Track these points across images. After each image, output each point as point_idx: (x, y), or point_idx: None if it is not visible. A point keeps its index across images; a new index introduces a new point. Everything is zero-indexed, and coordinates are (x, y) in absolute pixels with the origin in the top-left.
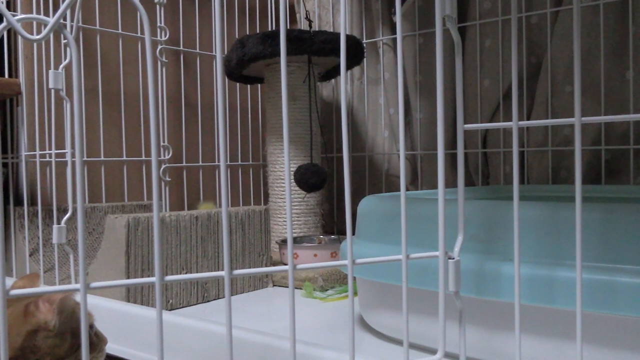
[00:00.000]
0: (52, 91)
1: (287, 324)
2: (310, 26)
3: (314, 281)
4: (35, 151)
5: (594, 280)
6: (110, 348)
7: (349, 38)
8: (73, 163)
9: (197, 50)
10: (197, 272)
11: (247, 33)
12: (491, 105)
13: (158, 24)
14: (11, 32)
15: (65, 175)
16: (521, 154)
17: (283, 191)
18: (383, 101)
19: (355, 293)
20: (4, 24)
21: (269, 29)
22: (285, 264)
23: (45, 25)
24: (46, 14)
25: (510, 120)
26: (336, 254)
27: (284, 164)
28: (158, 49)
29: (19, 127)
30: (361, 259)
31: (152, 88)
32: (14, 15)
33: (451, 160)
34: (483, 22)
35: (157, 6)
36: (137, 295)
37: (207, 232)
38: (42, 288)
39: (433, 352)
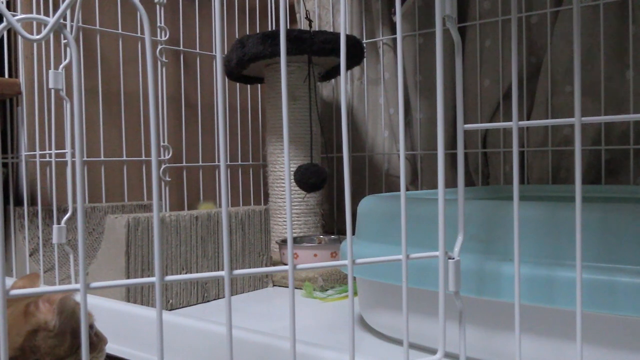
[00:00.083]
0: (52, 91)
1: (287, 324)
2: (310, 26)
3: (314, 281)
4: (35, 151)
5: (594, 280)
6: (110, 348)
7: (349, 38)
8: (73, 163)
9: (197, 50)
10: (197, 272)
11: (247, 33)
12: (491, 105)
13: (158, 24)
14: (11, 32)
15: (65, 175)
16: (521, 154)
17: (283, 191)
18: (383, 101)
19: (355, 293)
20: (4, 24)
21: (269, 29)
22: (285, 264)
23: (45, 25)
24: (46, 14)
25: (510, 120)
26: (336, 254)
27: (284, 164)
28: (158, 49)
29: (19, 127)
30: (361, 259)
31: (152, 88)
32: (14, 15)
33: (451, 160)
34: (483, 22)
35: (157, 6)
36: (137, 295)
37: (207, 232)
38: (42, 288)
39: (433, 352)
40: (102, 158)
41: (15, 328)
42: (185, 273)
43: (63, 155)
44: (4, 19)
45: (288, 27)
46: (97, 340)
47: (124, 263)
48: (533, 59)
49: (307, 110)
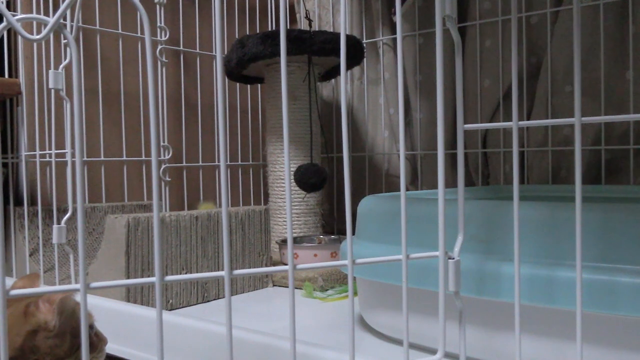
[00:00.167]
0: (52, 91)
1: (287, 324)
2: (310, 26)
3: (314, 281)
4: (35, 151)
5: (594, 280)
6: (110, 348)
7: (349, 38)
8: (73, 163)
9: (197, 50)
10: (197, 272)
11: (247, 33)
12: (491, 105)
13: (158, 24)
14: (11, 32)
15: (65, 175)
16: (521, 154)
17: (283, 191)
18: (383, 101)
19: (355, 293)
20: (4, 23)
21: (269, 29)
22: (285, 264)
23: (45, 25)
24: (46, 14)
25: (510, 120)
26: (336, 254)
27: (284, 164)
28: (158, 49)
29: (19, 127)
30: (361, 259)
31: (152, 88)
32: (14, 15)
33: (451, 160)
34: (483, 22)
35: (157, 6)
36: (137, 295)
37: (207, 232)
38: (42, 288)
39: (433, 352)
40: (102, 158)
41: (15, 328)
42: (185, 273)
43: (63, 155)
44: (4, 19)
45: (288, 27)
46: (97, 341)
47: (124, 263)
48: (533, 59)
49: (307, 110)
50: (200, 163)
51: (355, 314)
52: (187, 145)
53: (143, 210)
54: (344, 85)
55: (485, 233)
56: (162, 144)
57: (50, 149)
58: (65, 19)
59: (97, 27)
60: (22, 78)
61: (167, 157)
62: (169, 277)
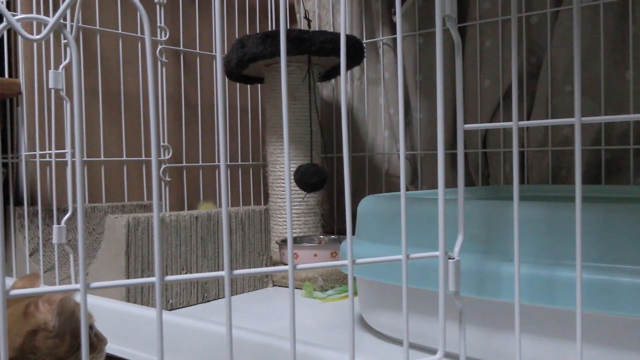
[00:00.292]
0: (52, 91)
1: (287, 324)
2: (309, 26)
3: (314, 281)
4: (35, 151)
5: (594, 280)
6: (110, 348)
7: (349, 38)
8: (73, 163)
9: (197, 50)
10: (197, 272)
11: (247, 33)
12: (491, 105)
13: (158, 24)
14: (11, 32)
15: (65, 175)
16: (521, 154)
17: (283, 191)
18: (383, 101)
19: (355, 293)
20: (4, 23)
21: (269, 29)
22: (285, 264)
23: (45, 25)
24: (46, 14)
25: (510, 120)
26: (336, 254)
27: (284, 164)
28: (158, 49)
29: (19, 127)
30: (361, 259)
31: (152, 88)
32: (14, 15)
33: (451, 160)
34: (483, 22)
35: (157, 6)
36: (137, 295)
37: (207, 232)
38: (42, 288)
39: (433, 352)
40: (102, 158)
41: (15, 328)
42: (185, 273)
43: (63, 155)
44: (4, 19)
45: (288, 27)
46: (97, 341)
47: (124, 263)
48: (533, 59)
49: (307, 110)
50: (200, 163)
51: (355, 314)
52: (187, 145)
53: (143, 210)
54: (344, 85)
55: (485, 233)
56: (162, 144)
57: (50, 149)
58: (65, 19)
59: (97, 27)
60: (22, 78)
61: (167, 157)
62: (169, 277)
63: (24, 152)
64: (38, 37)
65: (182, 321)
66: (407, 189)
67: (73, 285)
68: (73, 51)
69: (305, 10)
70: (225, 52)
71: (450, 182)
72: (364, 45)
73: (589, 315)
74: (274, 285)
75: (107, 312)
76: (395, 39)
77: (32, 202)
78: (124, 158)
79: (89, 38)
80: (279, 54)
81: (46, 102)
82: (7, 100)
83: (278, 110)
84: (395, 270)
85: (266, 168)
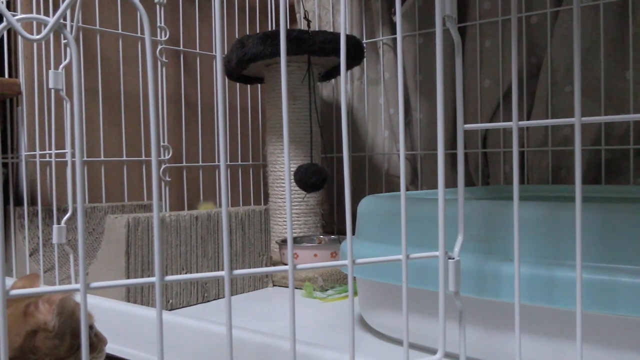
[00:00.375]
0: (52, 91)
1: (287, 324)
2: (308, 26)
3: (314, 281)
4: (35, 151)
5: (594, 280)
6: (110, 348)
7: (349, 38)
8: (73, 163)
9: (197, 50)
10: (197, 272)
11: (247, 33)
12: (491, 105)
13: (158, 24)
14: (11, 32)
15: (65, 175)
16: (521, 154)
17: (283, 191)
18: (383, 101)
19: (355, 293)
20: (4, 23)
21: (269, 29)
22: (285, 264)
23: (45, 25)
24: (46, 14)
25: (510, 120)
26: (336, 254)
27: (284, 164)
28: (158, 49)
29: (19, 127)
30: (361, 259)
31: (152, 88)
32: (14, 15)
33: (451, 160)
34: (483, 22)
35: (157, 6)
36: (137, 295)
37: (207, 232)
38: (42, 288)
39: (433, 352)
40: (102, 158)
41: (15, 328)
42: (185, 273)
43: (63, 155)
44: (4, 19)
45: (288, 27)
46: (96, 341)
47: (124, 263)
48: (533, 59)
49: (307, 110)
50: (200, 163)
51: (355, 314)
52: (187, 145)
53: (143, 210)
54: (344, 85)
55: (485, 233)
56: (162, 144)
57: (50, 149)
58: (65, 19)
59: (97, 27)
60: (22, 78)
61: (167, 157)
62: (169, 277)
63: (24, 152)
64: (38, 37)
65: (182, 321)
66: (407, 189)
67: (73, 285)
68: (73, 51)
69: (305, 11)
70: (225, 52)
71: (450, 182)
72: (364, 45)
73: (589, 315)
74: (274, 285)
75: (107, 312)
76: (395, 39)
77: (32, 202)
78: (124, 158)
79: (89, 38)
80: (279, 54)
81: (46, 102)
82: (7, 100)
83: (278, 110)
84: (395, 270)
85: (266, 168)
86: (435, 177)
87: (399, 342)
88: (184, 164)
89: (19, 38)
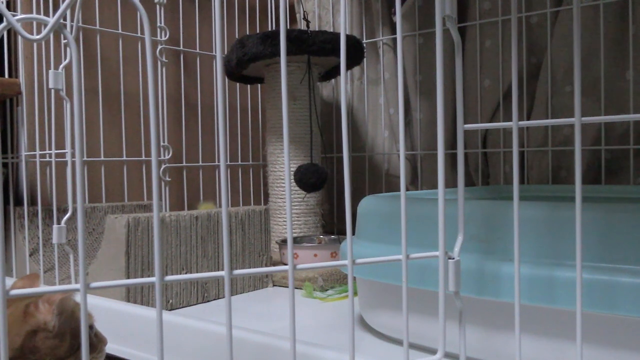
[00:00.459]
0: (52, 91)
1: (287, 324)
2: (307, 27)
3: (314, 281)
4: (35, 151)
5: (594, 280)
6: (110, 348)
7: (349, 38)
8: (73, 163)
9: (197, 50)
10: (197, 272)
11: (247, 33)
12: (491, 105)
13: (158, 24)
14: (11, 32)
15: (65, 175)
16: (521, 154)
17: (283, 191)
18: (383, 101)
19: (355, 293)
20: (4, 24)
21: (269, 29)
22: (285, 264)
23: (45, 25)
24: (46, 14)
25: (510, 120)
26: (336, 254)
27: (284, 164)
28: (158, 49)
29: (19, 127)
30: (361, 259)
31: (152, 88)
32: (14, 15)
33: (451, 160)
34: (483, 22)
35: (157, 6)
36: (137, 295)
37: (207, 232)
38: (42, 288)
39: (433, 352)
40: (102, 158)
41: (15, 328)
42: (185, 273)
43: (63, 155)
44: (4, 19)
45: (288, 27)
46: (96, 341)
47: (124, 263)
48: (533, 59)
49: (307, 110)
50: (200, 163)
51: (355, 314)
52: (187, 145)
53: (143, 210)
54: (344, 85)
55: (485, 233)
56: (162, 144)
57: (50, 149)
58: (65, 19)
59: (97, 27)
60: (22, 78)
61: (167, 157)
62: (169, 277)
63: (24, 152)
64: (38, 37)
65: (182, 321)
66: (407, 189)
67: (73, 285)
68: (73, 51)
69: (304, 11)
70: (225, 52)
71: (450, 182)
72: (364, 45)
73: (589, 315)
74: (274, 285)
75: (107, 312)
76: (395, 39)
77: (32, 202)
78: (124, 158)
79: (89, 38)
80: (278, 54)
81: (46, 102)
82: (7, 100)
83: (278, 110)
84: (395, 270)
85: (266, 168)
86: (435, 177)
87: (399, 342)
88: (184, 164)
89: (19, 38)
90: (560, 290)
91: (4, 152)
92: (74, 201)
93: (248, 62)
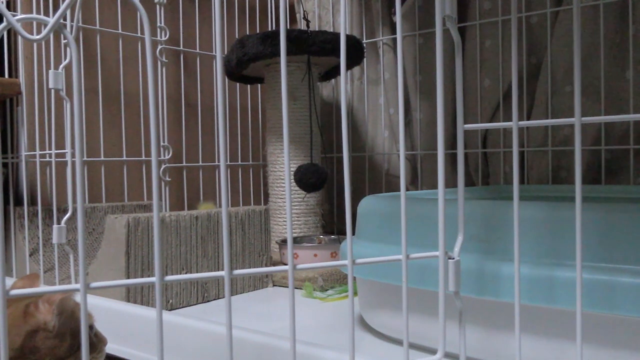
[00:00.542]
0: (52, 91)
1: (287, 324)
2: (307, 26)
3: (314, 281)
4: (35, 151)
5: (594, 280)
6: (110, 348)
7: (349, 38)
8: (73, 163)
9: (197, 50)
10: (197, 272)
11: (247, 33)
12: (491, 105)
13: (158, 24)
14: (11, 32)
15: (65, 175)
16: (521, 154)
17: (283, 191)
18: (383, 101)
19: (355, 293)
20: (4, 24)
21: (269, 29)
22: (285, 264)
23: (45, 25)
24: (46, 14)
25: (510, 120)
26: (336, 254)
27: (284, 164)
28: (158, 49)
29: (19, 127)
30: (361, 259)
31: (152, 88)
32: (14, 15)
33: (451, 160)
34: (483, 22)
35: (157, 6)
36: (137, 295)
37: (207, 232)
38: (42, 288)
39: (433, 352)
40: (102, 158)
41: (15, 328)
42: (185, 273)
43: (63, 155)
44: (4, 19)
45: (288, 27)
46: (96, 341)
47: (124, 263)
48: (533, 59)
49: (307, 110)
50: (200, 163)
51: (355, 314)
52: (187, 145)
53: (143, 210)
54: (344, 85)
55: (485, 233)
56: (162, 144)
57: (50, 149)
58: (65, 19)
59: (97, 27)
60: (22, 78)
61: (167, 157)
62: (169, 277)
63: (24, 152)
64: (38, 37)
65: (182, 321)
66: (407, 189)
67: (73, 285)
68: (73, 51)
69: (304, 11)
70: (225, 52)
71: (450, 182)
72: (364, 45)
73: (589, 315)
74: (274, 285)
75: (107, 312)
76: (395, 39)
77: (32, 202)
78: (124, 158)
79: (89, 38)
80: (278, 54)
81: (46, 102)
82: (7, 100)
83: (278, 110)
84: (395, 270)
85: (266, 168)
86: (435, 177)
87: (399, 342)
88: (184, 164)
89: (19, 38)
90: (560, 290)
91: (4, 152)
92: (74, 201)
93: (248, 62)
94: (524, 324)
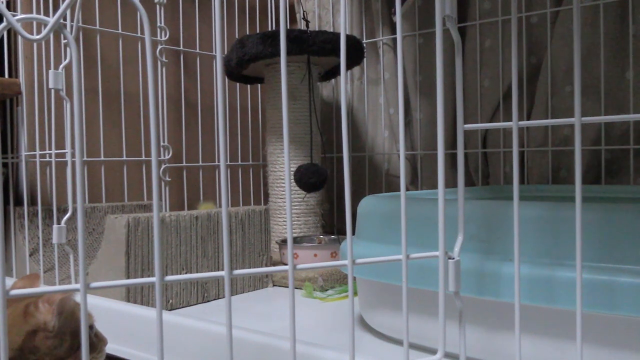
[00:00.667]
0: (52, 91)
1: (287, 324)
2: (307, 26)
3: (314, 281)
4: (35, 151)
5: (594, 280)
6: (110, 348)
7: (349, 38)
8: (73, 163)
9: (197, 50)
10: (197, 272)
11: (247, 33)
12: (491, 105)
13: (158, 24)
14: (11, 32)
15: (65, 175)
16: (521, 154)
17: (283, 191)
18: (383, 101)
19: (355, 293)
20: (4, 24)
21: (269, 29)
22: (285, 264)
23: (45, 25)
24: (46, 14)
25: (510, 120)
26: (336, 254)
27: (284, 164)
28: (158, 49)
29: (19, 127)
30: (361, 259)
31: (152, 88)
32: (14, 15)
33: (451, 160)
34: (483, 22)
35: (157, 6)
36: (137, 295)
37: (207, 232)
38: (42, 288)
39: (433, 352)
40: (102, 158)
41: (15, 328)
42: (185, 273)
43: (63, 155)
44: (4, 19)
45: (288, 27)
46: (96, 341)
47: (124, 263)
48: (533, 59)
49: (307, 110)
50: (200, 163)
51: (355, 314)
52: (187, 145)
53: (143, 210)
54: (344, 85)
55: (485, 233)
56: (162, 144)
57: (50, 149)
58: (65, 19)
59: (97, 27)
60: (22, 78)
61: (167, 157)
62: (169, 277)
63: (24, 152)
64: (38, 37)
65: (182, 321)
66: (407, 189)
67: (73, 285)
68: (73, 51)
69: (304, 11)
70: (225, 52)
71: (450, 182)
72: (364, 45)
73: (589, 315)
74: (274, 285)
75: (107, 312)
76: (395, 39)
77: (32, 202)
78: (124, 158)
79: (89, 38)
80: (278, 54)
81: (46, 102)
82: (7, 100)
83: (278, 110)
84: (395, 270)
85: (266, 168)
86: (435, 177)
87: (399, 342)
88: (184, 164)
89: (19, 38)
90: (560, 290)
91: (4, 152)
92: (74, 201)
93: (248, 62)
94: (524, 324)
